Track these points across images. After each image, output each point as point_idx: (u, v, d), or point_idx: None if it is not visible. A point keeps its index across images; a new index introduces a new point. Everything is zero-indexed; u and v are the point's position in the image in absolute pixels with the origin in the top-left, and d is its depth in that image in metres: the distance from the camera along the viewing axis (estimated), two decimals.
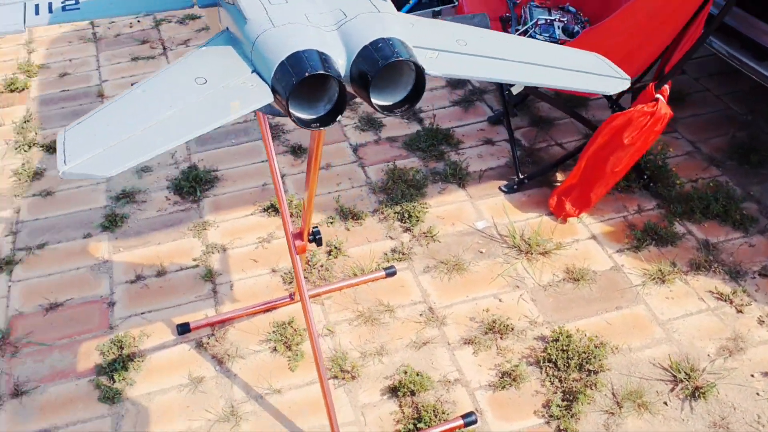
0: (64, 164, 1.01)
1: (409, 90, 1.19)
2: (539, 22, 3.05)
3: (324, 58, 1.12)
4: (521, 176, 3.24)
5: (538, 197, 3.20)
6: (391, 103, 1.19)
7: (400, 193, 3.23)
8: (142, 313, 2.75)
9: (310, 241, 2.20)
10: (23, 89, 4.12)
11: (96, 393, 2.46)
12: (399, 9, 4.19)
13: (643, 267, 2.82)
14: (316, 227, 2.23)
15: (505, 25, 3.28)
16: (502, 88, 3.32)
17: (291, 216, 3.01)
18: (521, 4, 3.28)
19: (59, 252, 3.07)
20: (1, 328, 2.74)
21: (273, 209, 3.20)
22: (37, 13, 1.35)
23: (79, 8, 1.36)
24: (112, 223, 3.18)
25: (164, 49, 4.45)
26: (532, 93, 3.44)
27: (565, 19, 3.11)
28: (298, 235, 2.17)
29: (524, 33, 3.12)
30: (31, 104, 4.01)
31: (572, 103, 3.66)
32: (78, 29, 4.68)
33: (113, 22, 4.75)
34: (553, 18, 3.09)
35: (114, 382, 2.48)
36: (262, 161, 3.51)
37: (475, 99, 3.87)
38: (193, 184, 3.34)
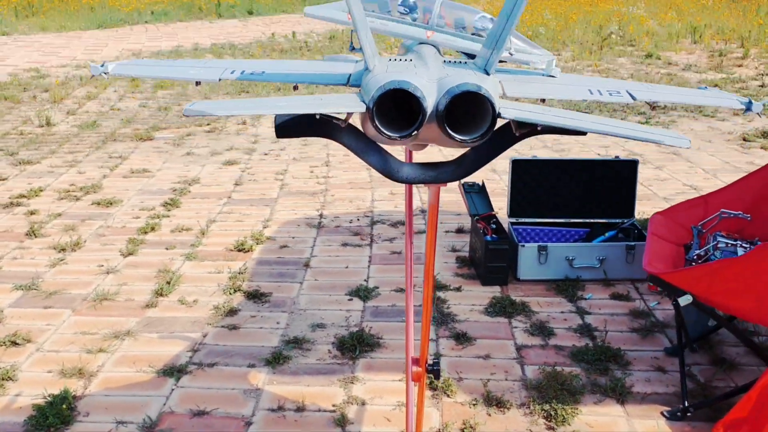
0: (190, 106, 1.29)
1: (485, 128, 1.34)
2: (719, 246, 3.00)
3: (416, 87, 1.33)
4: (687, 404, 3.00)
5: (703, 429, 2.91)
6: (467, 138, 1.35)
7: (552, 392, 3.13)
8: None
9: (428, 371, 2.24)
10: (248, 251, 4.76)
11: None
12: (590, 240, 4.30)
13: None
14: (437, 359, 2.28)
15: (687, 251, 3.26)
16: (683, 323, 3.20)
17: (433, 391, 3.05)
18: (707, 233, 3.26)
19: (224, 373, 3.35)
20: (152, 417, 2.99)
21: None
22: (232, 73, 1.74)
23: (261, 75, 1.74)
24: (276, 359, 3.43)
25: (371, 241, 4.94)
26: (722, 324, 3.26)
27: (750, 249, 3.02)
28: (416, 361, 2.22)
29: (703, 255, 3.07)
30: (250, 262, 4.59)
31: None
32: (309, 218, 5.39)
33: (338, 216, 5.40)
34: (736, 244, 3.03)
35: None
36: None
37: (656, 330, 3.73)
38: (354, 344, 3.53)
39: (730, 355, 3.46)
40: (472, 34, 1.80)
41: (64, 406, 3.00)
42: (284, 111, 1.36)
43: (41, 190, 6.03)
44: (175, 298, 4.10)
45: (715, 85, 10.93)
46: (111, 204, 5.67)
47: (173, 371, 3.34)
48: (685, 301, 2.84)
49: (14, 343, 3.58)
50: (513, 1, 1.47)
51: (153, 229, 5.13)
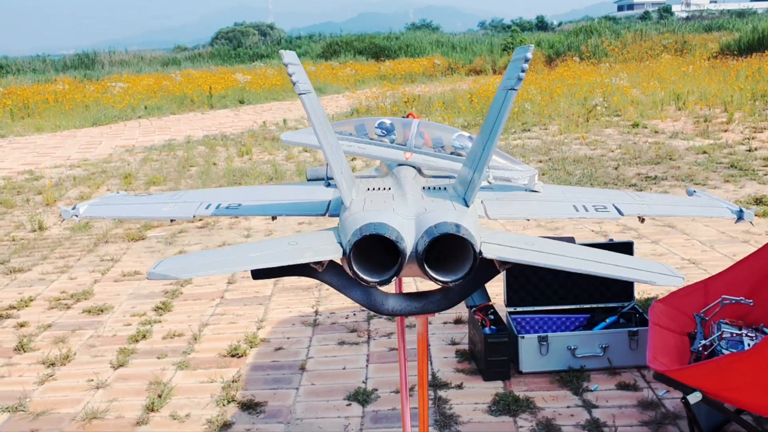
0: (153, 269, 1.22)
1: (466, 269, 1.27)
2: (724, 335, 2.91)
3: (393, 230, 1.28)
4: None
5: None
6: (449, 280, 1.28)
7: None
8: None
9: None
10: (242, 355, 4.63)
11: None
12: (591, 327, 4.20)
13: None
14: None
15: (692, 341, 3.16)
16: (695, 418, 3.07)
17: None
18: (710, 321, 3.17)
19: None
20: None
21: None
22: (206, 208, 1.69)
23: (238, 208, 1.68)
24: None
25: (368, 338, 4.82)
26: (732, 418, 3.13)
27: (755, 337, 2.93)
28: None
29: (709, 346, 2.97)
30: (244, 368, 4.46)
31: None
32: (304, 315, 5.28)
33: (333, 312, 5.30)
34: (741, 333, 2.93)
35: None
36: None
37: (667, 422, 3.59)
38: None
39: None
40: (451, 153, 1.76)
41: None
42: (258, 265, 1.30)
43: (31, 300, 5.93)
44: (166, 413, 3.95)
45: (704, 152, 11.02)
46: (102, 311, 5.57)
47: None
48: (694, 398, 2.72)
49: None
50: (491, 123, 1.44)
51: (144, 336, 5.01)
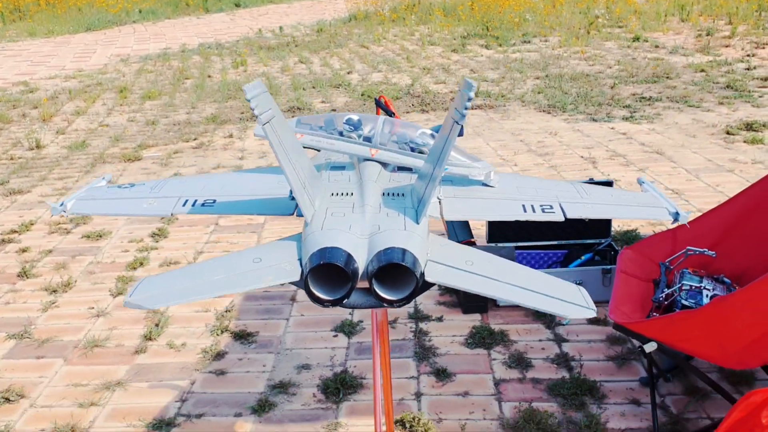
0: (129, 297, 1.37)
1: (409, 291, 1.43)
2: (684, 287, 3.09)
3: (347, 255, 1.42)
4: None
5: None
6: (395, 298, 1.43)
7: None
8: None
9: None
10: None
11: None
12: (568, 264, 4.38)
13: None
14: None
15: (656, 288, 3.35)
16: (652, 360, 3.29)
17: None
18: (674, 270, 3.34)
19: (211, 424, 3.45)
20: None
21: (400, 423, 3.35)
22: (183, 205, 1.82)
23: (213, 206, 1.81)
24: (261, 407, 3.53)
25: None
26: (681, 365, 3.35)
27: (714, 288, 3.11)
28: None
29: (670, 296, 3.16)
30: (237, 298, 4.69)
31: (732, 377, 3.49)
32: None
33: None
34: (701, 285, 3.11)
35: None
36: (409, 377, 3.73)
37: (632, 358, 3.83)
38: (338, 386, 3.64)
39: (703, 384, 3.55)
40: (413, 149, 1.87)
41: None
42: (223, 292, 1.44)
43: (32, 224, 6.11)
44: (163, 342, 4.20)
45: (702, 70, 10.95)
46: (100, 237, 5.76)
47: (162, 425, 3.45)
48: (650, 347, 2.93)
49: (7, 400, 3.69)
50: (440, 147, 1.54)
51: (141, 263, 5.22)
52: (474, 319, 4.28)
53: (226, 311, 4.50)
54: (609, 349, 3.92)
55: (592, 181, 4.64)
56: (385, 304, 1.44)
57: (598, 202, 1.87)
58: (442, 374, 3.75)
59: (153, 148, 8.36)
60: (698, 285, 3.11)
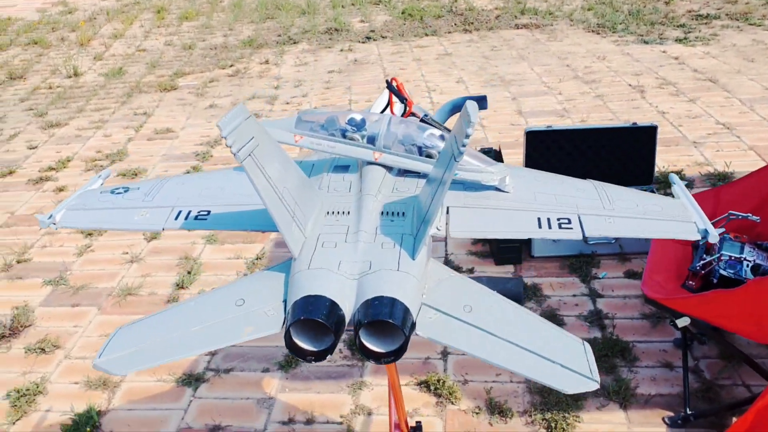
0: (99, 357, 1.31)
1: (397, 346, 1.33)
2: (722, 257, 2.92)
3: (331, 304, 1.32)
4: (689, 411, 3.02)
5: None
6: (381, 351, 1.34)
7: (555, 397, 3.19)
8: None
9: None
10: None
11: None
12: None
13: None
14: (419, 422, 2.34)
15: (694, 251, 3.18)
16: (685, 333, 3.16)
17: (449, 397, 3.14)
18: None
19: (239, 379, 3.49)
20: None
21: (425, 385, 3.33)
22: (176, 218, 1.73)
23: (206, 220, 1.72)
24: (288, 363, 3.55)
25: None
26: (717, 342, 3.22)
27: (756, 257, 2.93)
28: (397, 426, 2.28)
29: (708, 264, 3.00)
30: (268, 244, 4.67)
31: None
32: None
33: None
34: (742, 256, 2.94)
35: None
36: None
37: (667, 317, 3.71)
38: None
39: (741, 346, 3.42)
40: (420, 152, 1.73)
41: (88, 429, 3.20)
42: (199, 350, 1.36)
43: (69, 160, 6.15)
44: (195, 290, 4.23)
45: None
46: (136, 174, 5.77)
47: (191, 380, 3.50)
48: (683, 322, 2.81)
49: (43, 351, 3.78)
50: (438, 179, 1.40)
51: None
52: (507, 271, 4.18)
53: (257, 259, 4.49)
54: (644, 305, 3.80)
55: (635, 126, 4.39)
56: (371, 360, 1.35)
57: (621, 214, 1.72)
58: None
59: (189, 76, 8.26)
60: (738, 256, 2.93)
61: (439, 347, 3.59)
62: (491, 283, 1.62)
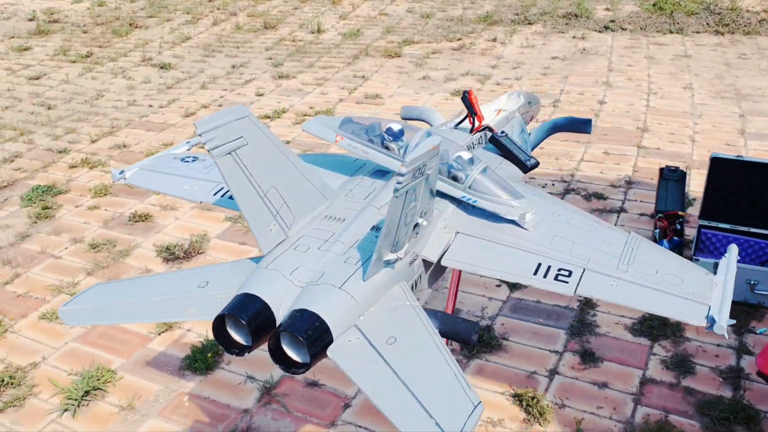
0: (65, 305, 1.51)
1: (306, 359, 1.37)
2: None
3: (262, 307, 1.40)
4: None
5: None
6: (296, 359, 1.39)
7: None
8: None
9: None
10: None
11: None
12: None
13: None
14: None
15: None
16: None
17: None
18: None
19: None
20: (271, 381, 3.45)
21: (518, 398, 3.26)
22: (215, 194, 1.89)
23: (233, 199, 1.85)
24: None
25: None
26: None
27: None
28: None
29: None
30: None
31: None
32: None
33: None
34: None
35: None
36: (552, 350, 3.57)
37: None
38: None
39: None
40: (449, 170, 1.69)
41: (209, 355, 3.59)
42: (147, 319, 1.49)
43: (284, 112, 6.70)
44: None
45: None
46: None
47: None
48: None
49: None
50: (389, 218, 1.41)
51: None
52: None
53: None
54: None
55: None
56: (282, 367, 1.40)
57: (630, 279, 1.56)
58: (588, 357, 3.52)
59: (416, 45, 8.50)
60: None
61: (549, 363, 3.48)
62: (443, 320, 1.58)
